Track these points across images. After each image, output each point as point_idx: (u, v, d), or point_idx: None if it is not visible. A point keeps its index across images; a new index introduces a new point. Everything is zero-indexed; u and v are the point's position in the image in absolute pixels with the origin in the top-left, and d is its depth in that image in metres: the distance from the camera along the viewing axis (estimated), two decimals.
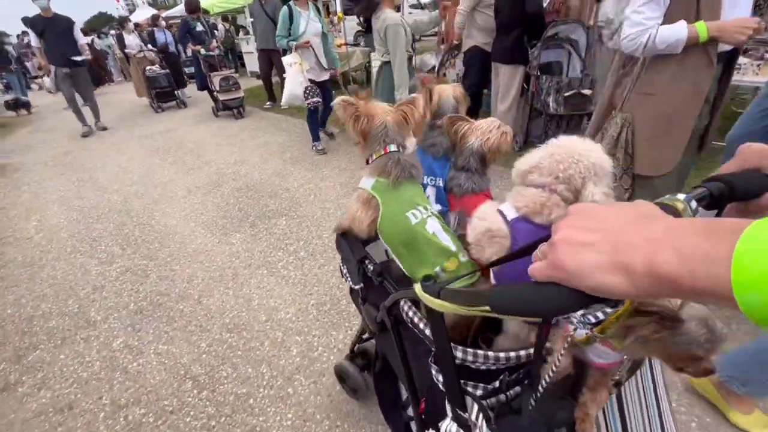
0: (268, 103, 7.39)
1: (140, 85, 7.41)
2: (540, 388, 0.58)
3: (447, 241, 0.92)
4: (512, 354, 0.67)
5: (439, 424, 0.71)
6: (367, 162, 1.04)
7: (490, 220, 0.78)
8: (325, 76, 4.33)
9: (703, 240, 0.28)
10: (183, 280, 2.49)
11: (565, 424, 0.63)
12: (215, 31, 7.02)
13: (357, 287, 1.05)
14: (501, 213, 0.78)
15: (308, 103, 4.11)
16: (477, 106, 4.84)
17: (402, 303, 0.80)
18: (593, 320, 0.51)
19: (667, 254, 0.29)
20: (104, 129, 6.50)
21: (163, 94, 7.47)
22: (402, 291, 0.82)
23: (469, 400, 0.66)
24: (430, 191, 1.23)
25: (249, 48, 11.48)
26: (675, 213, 0.40)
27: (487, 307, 0.42)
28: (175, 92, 7.59)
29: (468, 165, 1.14)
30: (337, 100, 1.00)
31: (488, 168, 1.17)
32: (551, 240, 0.39)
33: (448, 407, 0.69)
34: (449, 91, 1.31)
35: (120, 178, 4.44)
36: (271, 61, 6.07)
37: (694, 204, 0.42)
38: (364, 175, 1.04)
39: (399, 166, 0.99)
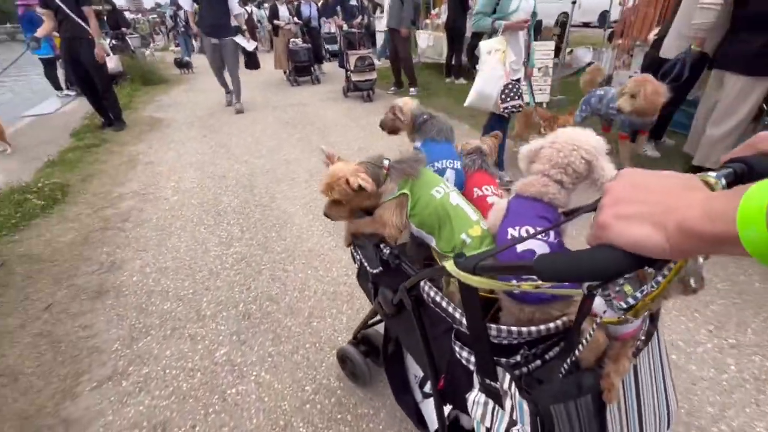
0: (392, 88, 7.05)
1: (282, 58, 7.61)
2: (572, 358, 0.62)
3: (468, 210, 1.02)
4: (533, 329, 0.71)
5: (467, 396, 0.75)
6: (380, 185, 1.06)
7: (496, 203, 0.98)
8: (518, 75, 3.01)
9: (725, 201, 0.34)
10: (295, 288, 2.21)
11: (591, 391, 0.64)
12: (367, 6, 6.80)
13: (375, 271, 1.06)
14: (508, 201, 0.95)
15: (504, 109, 2.83)
16: (665, 125, 3.74)
17: (422, 283, 0.83)
18: (625, 306, 0.48)
19: (697, 213, 0.35)
20: (240, 112, 5.82)
21: (302, 68, 7.54)
22: (426, 270, 0.84)
23: (500, 370, 0.68)
24: (450, 174, 1.26)
25: (382, 26, 11.34)
26: (709, 187, 0.42)
27: (533, 277, 0.46)
28: (312, 67, 7.63)
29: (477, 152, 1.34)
30: (353, 181, 1.01)
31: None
32: (601, 202, 0.45)
33: (476, 379, 0.74)
34: (411, 105, 1.52)
35: (251, 149, 4.49)
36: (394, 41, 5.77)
37: (723, 181, 0.44)
38: (384, 195, 1.06)
39: (410, 161, 1.05)
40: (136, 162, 4.21)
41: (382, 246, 1.03)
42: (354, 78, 6.12)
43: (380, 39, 10.76)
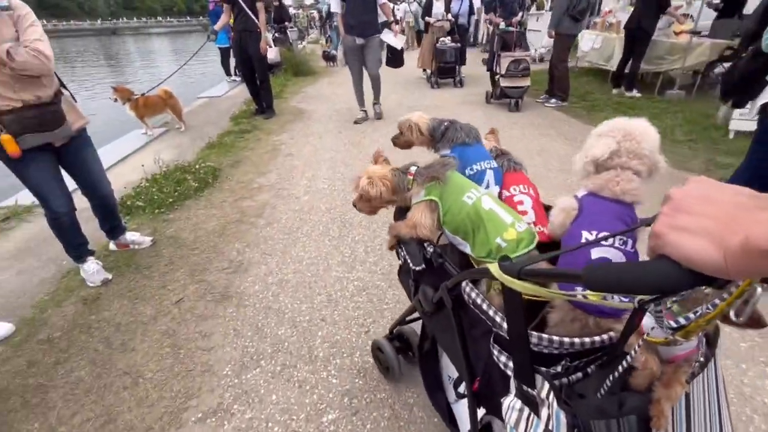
0: (543, 96, 6.11)
1: (427, 56, 7.18)
2: (615, 374, 0.60)
3: (502, 213, 0.99)
4: (576, 340, 0.68)
5: (502, 400, 0.73)
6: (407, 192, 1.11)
7: (562, 201, 0.94)
8: None
9: None
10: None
11: (636, 413, 0.60)
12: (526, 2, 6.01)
13: (419, 268, 1.06)
14: (575, 196, 0.94)
15: None
16: None
17: (463, 284, 0.83)
18: (675, 326, 0.48)
19: (763, 231, 0.33)
20: (380, 118, 5.44)
21: (447, 69, 7.00)
22: (468, 271, 0.83)
23: (539, 378, 0.66)
24: (490, 174, 1.24)
25: (537, 25, 10.14)
26: None
27: (580, 288, 0.51)
28: (457, 68, 7.05)
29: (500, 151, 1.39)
30: (364, 183, 1.11)
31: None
32: (661, 209, 0.43)
33: (512, 384, 0.71)
34: (425, 118, 1.49)
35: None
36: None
37: None
38: (414, 199, 1.09)
39: (436, 165, 1.08)
40: (278, 152, 4.35)
41: (426, 244, 1.05)
42: (503, 83, 5.43)
43: (533, 38, 9.67)
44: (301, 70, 9.17)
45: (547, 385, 0.64)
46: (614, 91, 6.41)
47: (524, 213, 1.14)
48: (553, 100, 5.80)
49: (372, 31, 4.85)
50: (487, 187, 1.23)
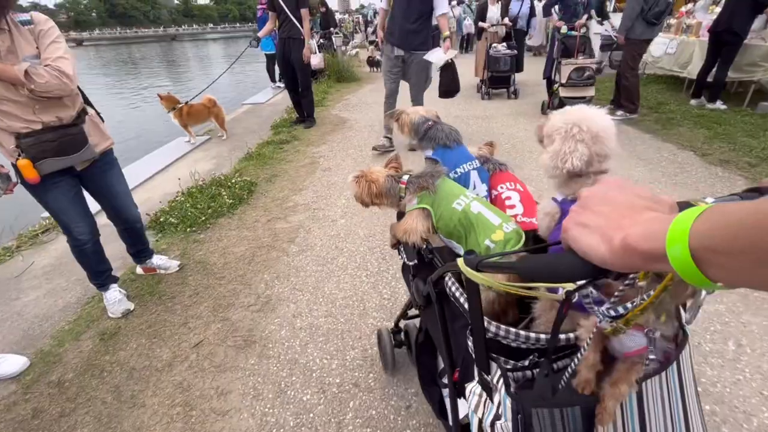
0: (607, 107, 5.45)
1: (480, 64, 6.58)
2: (570, 367, 0.63)
3: (491, 216, 1.02)
4: (542, 336, 0.70)
5: (466, 385, 0.78)
6: (400, 200, 1.18)
7: (545, 206, 0.96)
8: None
9: (662, 222, 0.36)
10: None
11: (580, 404, 0.62)
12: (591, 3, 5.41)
13: (411, 263, 1.13)
14: (554, 199, 0.95)
15: None
16: None
17: (447, 278, 0.86)
18: (614, 314, 0.52)
19: (639, 231, 0.38)
20: (413, 149, 4.01)
21: (499, 79, 6.26)
22: (447, 264, 0.84)
23: (493, 365, 0.70)
24: (474, 175, 1.28)
25: (599, 29, 9.32)
26: None
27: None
28: (512, 77, 6.31)
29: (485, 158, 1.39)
30: (350, 179, 1.22)
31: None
32: (572, 206, 0.49)
33: (475, 371, 0.74)
34: (422, 111, 1.53)
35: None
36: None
37: None
38: (408, 206, 1.15)
39: (426, 176, 1.13)
40: (316, 166, 4.13)
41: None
42: (564, 93, 4.91)
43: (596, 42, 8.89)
44: (344, 76, 9.02)
45: (498, 372, 0.67)
46: (692, 101, 5.63)
47: (513, 207, 1.19)
48: (620, 112, 5.17)
49: (419, 43, 3.86)
50: (474, 187, 1.26)
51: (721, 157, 3.75)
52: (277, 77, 9.26)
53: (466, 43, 12.86)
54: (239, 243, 2.78)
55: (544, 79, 5.69)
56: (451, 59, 3.93)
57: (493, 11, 5.82)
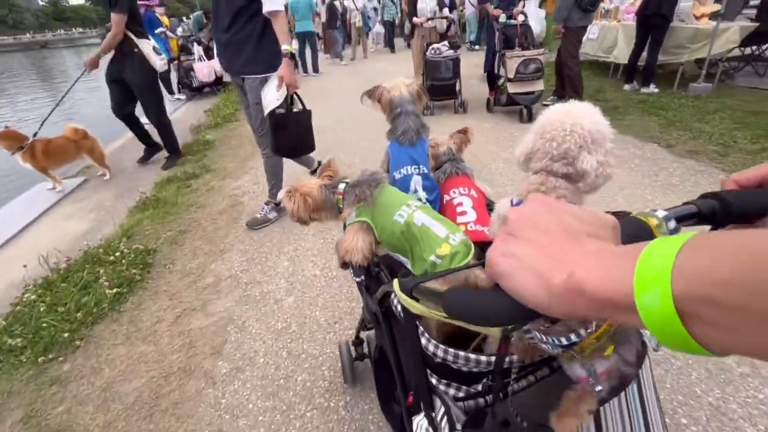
0: (550, 98, 5.15)
1: (419, 69, 5.30)
2: (513, 387, 0.62)
3: (436, 227, 0.93)
4: (493, 358, 0.63)
5: (413, 418, 0.71)
6: (340, 212, 1.07)
7: (499, 207, 0.87)
8: None
9: (620, 258, 0.28)
10: None
11: None
12: None
13: (358, 280, 1.04)
14: (511, 201, 0.84)
15: None
16: None
17: (392, 296, 0.77)
18: (566, 342, 0.48)
19: (585, 270, 0.29)
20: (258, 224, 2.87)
21: (441, 89, 4.84)
22: (385, 284, 0.83)
23: (437, 401, 0.65)
24: (417, 180, 1.21)
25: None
26: (647, 230, 0.38)
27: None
28: (456, 86, 4.94)
29: (449, 157, 1.29)
30: (282, 195, 1.07)
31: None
32: (497, 231, 0.40)
33: (421, 404, 0.70)
34: (402, 88, 1.32)
35: None
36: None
37: (672, 223, 0.39)
38: (347, 219, 1.04)
39: (363, 185, 1.02)
40: (240, 210, 3.14)
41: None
42: (512, 89, 4.45)
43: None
44: None
45: (442, 409, 0.63)
46: (626, 87, 5.61)
47: (464, 213, 1.12)
48: None
49: (243, 62, 2.42)
50: (415, 192, 1.19)
51: (687, 148, 3.54)
52: (175, 87, 7.80)
53: (390, 37, 12.15)
54: (131, 373, 1.77)
55: (484, 72, 5.23)
56: (290, 104, 2.46)
57: (426, 1, 5.07)
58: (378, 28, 12.21)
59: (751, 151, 3.30)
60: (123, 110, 3.97)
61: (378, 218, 0.99)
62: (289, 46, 2.31)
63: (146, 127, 4.25)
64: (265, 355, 1.79)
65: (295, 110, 2.52)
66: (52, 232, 3.08)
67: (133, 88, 3.80)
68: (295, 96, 2.49)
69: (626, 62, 5.65)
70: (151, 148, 4.35)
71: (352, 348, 1.55)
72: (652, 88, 5.28)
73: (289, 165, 2.87)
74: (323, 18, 10.54)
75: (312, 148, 2.72)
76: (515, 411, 0.60)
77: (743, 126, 3.80)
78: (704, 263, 0.23)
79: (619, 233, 0.34)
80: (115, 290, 2.22)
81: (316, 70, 9.26)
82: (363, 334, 1.53)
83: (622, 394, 0.60)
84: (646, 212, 0.39)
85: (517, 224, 0.37)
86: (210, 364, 1.77)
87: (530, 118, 4.58)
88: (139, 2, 6.77)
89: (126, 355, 1.86)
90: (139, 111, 4.05)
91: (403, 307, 0.63)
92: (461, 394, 0.64)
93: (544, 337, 0.48)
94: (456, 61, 4.66)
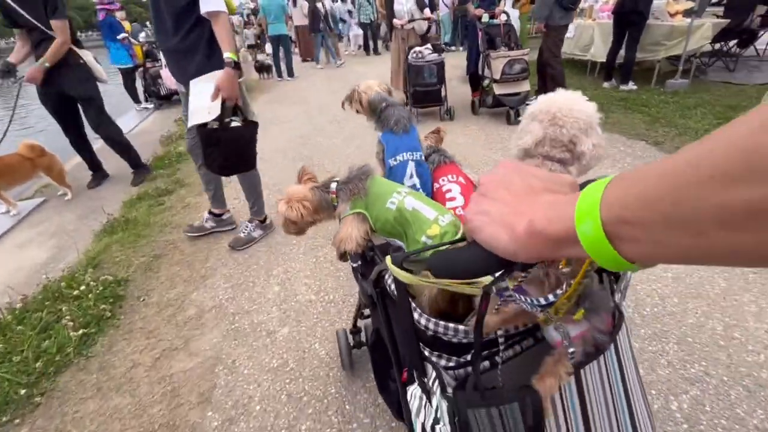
0: (533, 98, 5.13)
1: (398, 73, 5.11)
2: (501, 357, 0.64)
3: (426, 210, 0.97)
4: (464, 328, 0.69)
5: (407, 388, 0.77)
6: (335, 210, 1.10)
7: None
8: None
9: (568, 203, 0.33)
10: None
11: (516, 400, 0.58)
12: None
13: (355, 265, 1.07)
14: None
15: None
16: None
17: (386, 276, 0.81)
18: (544, 302, 0.50)
19: (541, 214, 0.35)
20: (241, 244, 2.64)
21: (426, 95, 4.60)
22: (381, 263, 0.84)
23: (429, 367, 0.68)
24: (411, 166, 1.25)
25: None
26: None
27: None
28: (442, 92, 4.68)
29: (433, 149, 1.37)
30: (282, 207, 1.07)
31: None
32: (472, 194, 0.45)
33: (414, 373, 0.73)
34: (375, 87, 1.43)
35: None
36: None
37: None
38: (342, 214, 1.07)
39: (354, 180, 1.06)
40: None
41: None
42: (497, 90, 4.36)
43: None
44: None
45: (434, 374, 0.66)
46: (605, 84, 5.66)
47: (453, 199, 1.16)
48: None
49: (195, 71, 2.14)
50: (411, 176, 1.23)
51: (675, 144, 3.55)
52: (142, 96, 7.37)
53: (370, 40, 11.86)
54: None
55: (467, 74, 5.13)
56: (228, 117, 2.12)
57: (404, 2, 4.89)
58: (356, 30, 11.98)
59: None
60: (80, 130, 3.67)
61: (372, 208, 1.03)
62: (232, 53, 2.03)
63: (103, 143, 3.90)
64: (262, 401, 1.57)
65: (234, 125, 2.17)
66: (6, 264, 2.73)
67: (79, 102, 3.48)
68: (237, 108, 2.18)
69: (603, 60, 5.71)
70: (98, 173, 4.02)
71: (350, 336, 1.60)
72: (631, 85, 5.33)
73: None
74: (296, 21, 10.23)
75: (251, 166, 2.41)
76: (502, 382, 0.62)
77: (724, 120, 3.83)
78: (621, 192, 0.29)
79: (577, 190, 0.36)
80: (81, 331, 1.95)
81: (291, 74, 8.98)
82: (360, 323, 1.59)
83: (602, 360, 0.64)
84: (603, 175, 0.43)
85: (488, 186, 0.42)
86: (198, 416, 1.54)
87: (518, 118, 4.52)
88: (99, 7, 6.40)
89: (97, 411, 1.60)
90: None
91: (396, 284, 0.65)
92: (452, 364, 0.67)
93: (522, 297, 0.50)
94: (440, 65, 4.46)
